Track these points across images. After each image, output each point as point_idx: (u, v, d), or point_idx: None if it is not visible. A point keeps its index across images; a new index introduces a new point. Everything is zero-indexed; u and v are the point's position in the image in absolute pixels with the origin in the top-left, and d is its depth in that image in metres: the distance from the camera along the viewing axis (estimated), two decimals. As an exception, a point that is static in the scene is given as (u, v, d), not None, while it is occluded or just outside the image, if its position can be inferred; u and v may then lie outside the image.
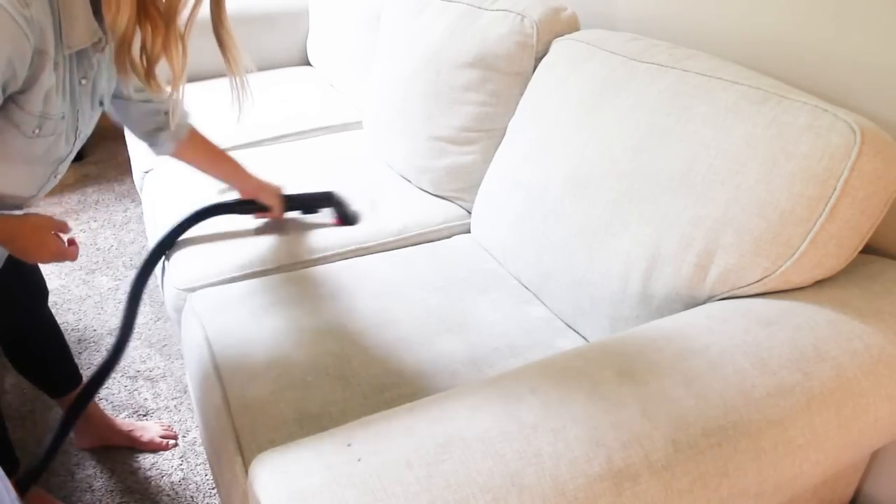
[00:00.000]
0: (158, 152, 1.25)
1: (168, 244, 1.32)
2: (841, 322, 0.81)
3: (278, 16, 2.25)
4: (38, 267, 1.28)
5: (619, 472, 0.65)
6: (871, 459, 1.06)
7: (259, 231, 1.36)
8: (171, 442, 1.45)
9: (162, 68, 0.93)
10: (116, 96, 1.13)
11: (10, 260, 1.07)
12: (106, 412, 1.44)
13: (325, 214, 1.41)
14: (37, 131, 0.89)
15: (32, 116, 0.87)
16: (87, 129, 1.01)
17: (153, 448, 1.44)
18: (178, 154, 1.27)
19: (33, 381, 1.36)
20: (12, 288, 1.21)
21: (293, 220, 1.40)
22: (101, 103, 1.02)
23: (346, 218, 1.40)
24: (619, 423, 0.68)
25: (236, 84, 1.03)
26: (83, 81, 0.93)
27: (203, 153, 1.30)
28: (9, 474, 1.26)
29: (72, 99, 0.92)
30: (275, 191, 1.36)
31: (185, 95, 1.02)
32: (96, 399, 1.44)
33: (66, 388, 1.36)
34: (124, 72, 0.90)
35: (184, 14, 0.91)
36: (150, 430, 1.45)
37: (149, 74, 0.92)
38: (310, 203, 1.41)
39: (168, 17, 0.88)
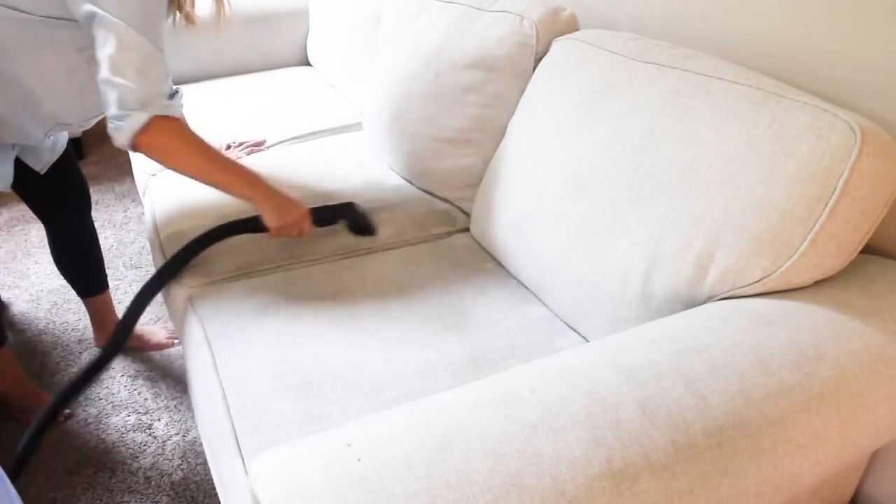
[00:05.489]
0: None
1: (172, 274, 1.26)
2: (841, 322, 0.81)
3: (278, 16, 2.25)
4: (82, 179, 1.52)
5: (618, 472, 0.65)
6: (871, 459, 1.06)
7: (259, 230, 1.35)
8: (176, 341, 1.69)
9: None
10: None
11: (61, 170, 1.40)
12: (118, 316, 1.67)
13: (343, 225, 1.37)
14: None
15: None
16: None
17: (161, 347, 1.69)
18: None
19: (69, 280, 1.60)
20: (63, 193, 1.46)
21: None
22: None
23: (363, 229, 1.36)
24: (619, 423, 0.68)
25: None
26: None
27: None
28: None
29: None
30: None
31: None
32: (115, 307, 1.69)
33: (94, 291, 1.62)
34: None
35: None
36: (157, 333, 1.71)
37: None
38: (328, 216, 1.34)
39: None
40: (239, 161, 1.54)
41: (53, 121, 1.23)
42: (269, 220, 1.20)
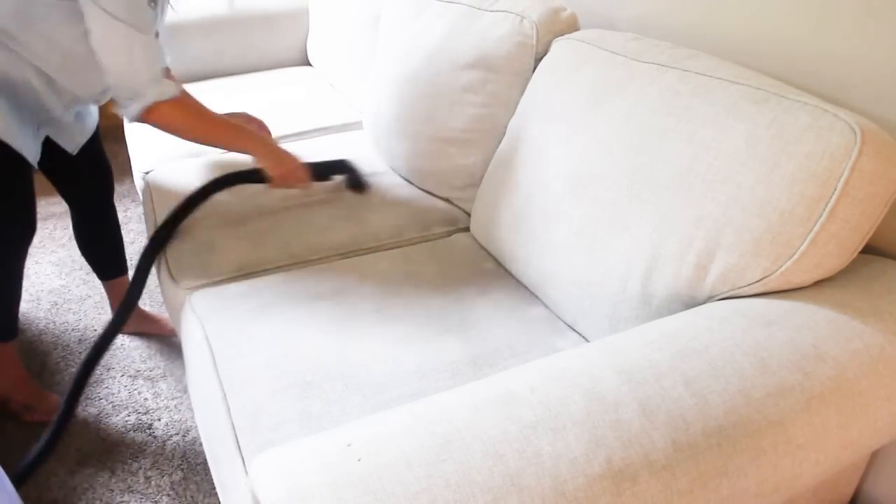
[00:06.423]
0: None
1: (179, 219, 1.32)
2: (841, 322, 0.81)
3: (278, 16, 2.25)
4: (108, 163, 1.56)
5: (618, 472, 0.65)
6: (871, 459, 1.06)
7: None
8: None
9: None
10: None
11: (89, 153, 1.42)
12: (140, 307, 1.70)
13: (339, 181, 1.45)
14: (159, 15, 1.17)
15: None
16: (162, 28, 1.25)
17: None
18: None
19: (91, 262, 1.64)
20: (90, 175, 1.50)
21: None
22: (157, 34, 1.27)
23: (358, 185, 1.44)
24: (619, 423, 0.68)
25: None
26: None
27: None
28: (4, 339, 1.41)
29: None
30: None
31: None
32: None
33: (113, 274, 1.65)
34: None
35: None
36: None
37: None
38: (325, 171, 1.42)
39: None
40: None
41: (69, 95, 1.25)
42: (270, 169, 1.29)
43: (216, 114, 1.28)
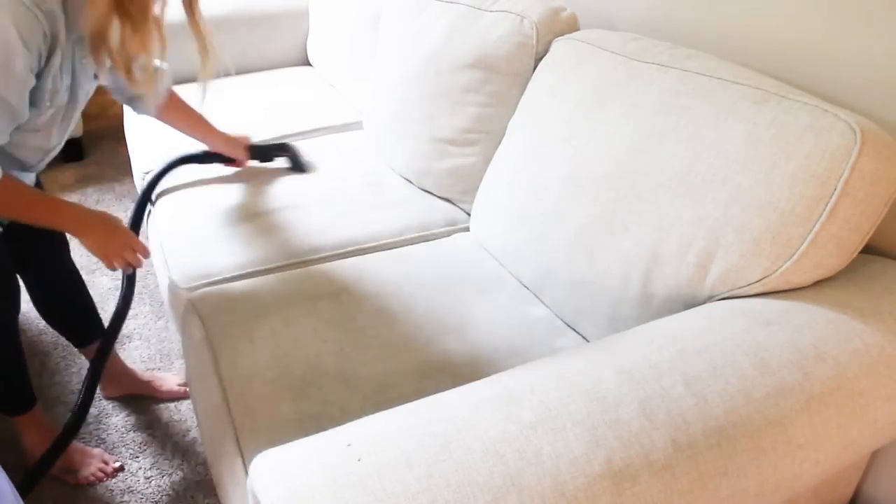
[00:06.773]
0: (140, 112, 1.39)
1: (148, 195, 1.46)
2: (841, 322, 0.81)
3: (278, 16, 2.25)
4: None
5: (618, 472, 0.65)
6: (871, 459, 1.06)
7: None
8: (187, 389, 1.54)
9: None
10: None
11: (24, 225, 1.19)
12: (127, 365, 1.55)
13: (283, 163, 1.58)
14: (48, 103, 1.05)
15: (44, 91, 1.02)
16: (84, 98, 1.17)
17: (172, 396, 1.55)
18: (159, 116, 1.41)
19: (58, 330, 1.48)
20: (26, 241, 1.32)
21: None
22: (96, 76, 1.16)
23: (299, 166, 1.56)
24: (619, 423, 0.68)
25: (204, 85, 1.19)
26: (84, 61, 1.08)
27: (181, 115, 1.45)
28: (24, 411, 1.34)
29: (73, 75, 1.08)
30: (241, 142, 1.51)
31: (167, 80, 1.29)
32: (119, 355, 1.57)
33: (88, 338, 1.48)
34: (101, 64, 1.04)
35: (157, 7, 1.02)
36: (168, 380, 1.56)
37: (128, 71, 1.05)
38: (268, 151, 1.56)
39: (143, 13, 0.99)
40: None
41: None
42: (92, 251, 1.18)
43: (33, 196, 1.13)
